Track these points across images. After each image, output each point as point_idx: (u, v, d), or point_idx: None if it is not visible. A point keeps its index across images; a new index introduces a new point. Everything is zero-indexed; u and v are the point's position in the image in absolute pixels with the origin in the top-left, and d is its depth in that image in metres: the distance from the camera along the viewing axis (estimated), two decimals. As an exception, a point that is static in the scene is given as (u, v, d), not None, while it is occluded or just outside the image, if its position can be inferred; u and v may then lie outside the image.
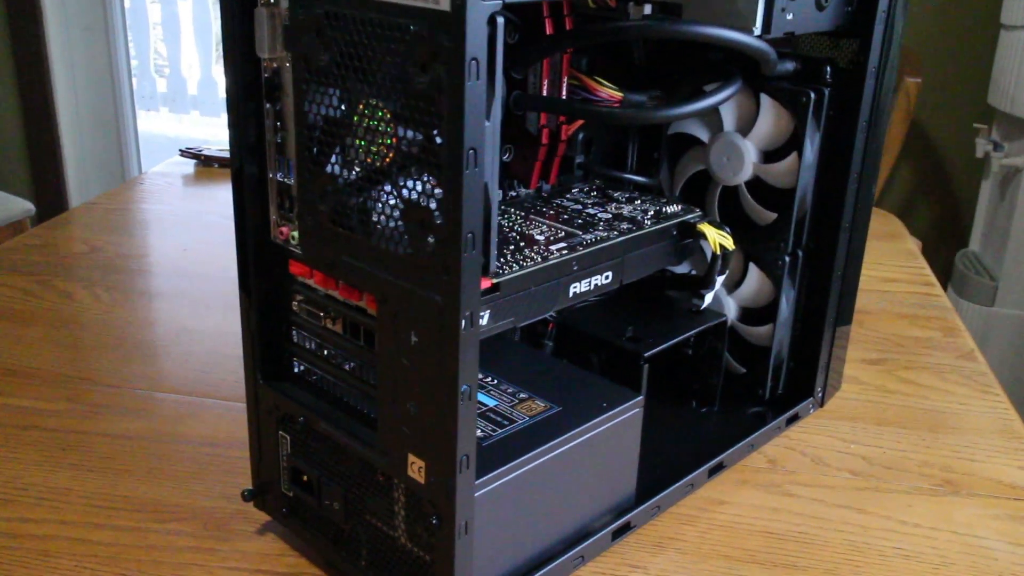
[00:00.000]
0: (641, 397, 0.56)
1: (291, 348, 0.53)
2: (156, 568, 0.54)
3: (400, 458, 0.46)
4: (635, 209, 0.61)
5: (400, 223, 0.42)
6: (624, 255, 0.57)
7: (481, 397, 0.54)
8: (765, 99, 0.63)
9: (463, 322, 0.41)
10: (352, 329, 0.49)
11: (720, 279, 0.64)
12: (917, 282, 0.99)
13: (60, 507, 0.60)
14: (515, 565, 0.51)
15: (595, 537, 0.55)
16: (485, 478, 0.47)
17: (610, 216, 0.60)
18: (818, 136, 0.63)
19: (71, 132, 2.33)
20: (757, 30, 0.55)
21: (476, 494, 0.46)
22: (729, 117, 0.66)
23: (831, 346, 0.69)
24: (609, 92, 0.59)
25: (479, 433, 0.50)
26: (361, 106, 0.42)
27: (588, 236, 0.56)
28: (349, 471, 0.50)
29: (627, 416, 0.55)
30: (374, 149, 0.42)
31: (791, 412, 0.69)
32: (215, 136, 3.26)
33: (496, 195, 0.44)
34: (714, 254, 0.62)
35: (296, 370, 0.54)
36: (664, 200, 0.64)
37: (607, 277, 0.56)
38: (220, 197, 1.19)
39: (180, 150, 1.32)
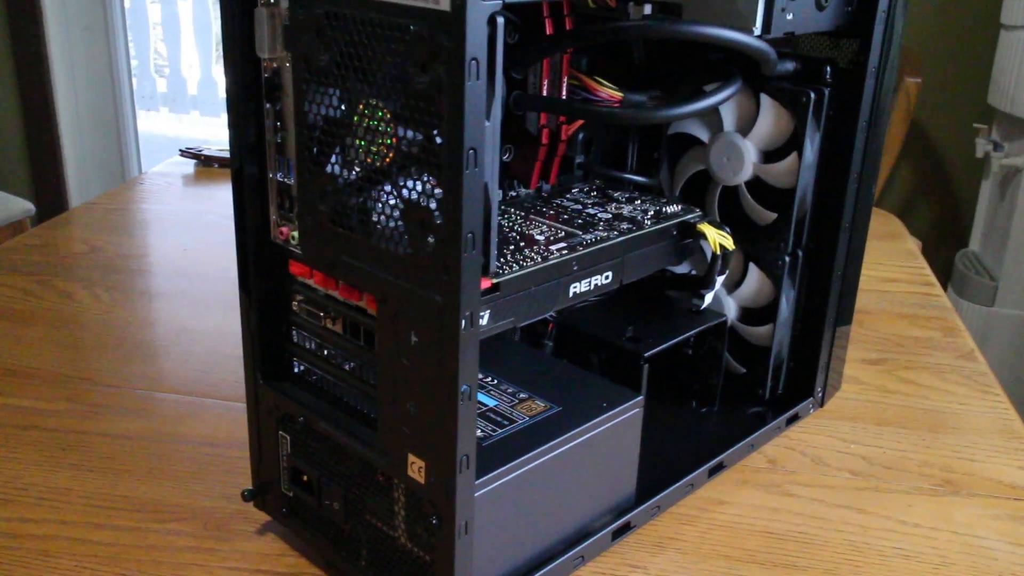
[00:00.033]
0: (641, 397, 0.56)
1: (291, 348, 0.53)
2: (156, 568, 0.54)
3: (400, 458, 0.46)
4: (635, 209, 0.61)
5: (400, 223, 0.42)
6: (624, 255, 0.57)
7: (481, 397, 0.54)
8: (765, 99, 0.63)
9: (463, 322, 0.41)
10: (352, 329, 0.49)
11: (720, 279, 0.64)
12: (917, 282, 0.99)
13: (60, 507, 0.60)
14: (515, 565, 0.51)
15: (595, 537, 0.55)
16: (485, 478, 0.47)
17: (610, 216, 0.60)
18: (818, 136, 0.63)
19: (71, 132, 2.33)
20: (757, 30, 0.55)
21: (476, 494, 0.46)
22: (729, 117, 0.66)
23: (831, 346, 0.69)
24: (609, 92, 0.59)
25: (479, 433, 0.51)
26: (361, 106, 0.42)
27: (588, 236, 0.56)
28: (349, 471, 0.50)
29: (627, 416, 0.55)
30: (374, 149, 0.42)
31: (791, 412, 0.69)
32: (215, 136, 3.26)
33: (496, 195, 0.44)
34: (714, 254, 0.62)
35: (296, 370, 0.54)
36: (664, 200, 0.64)
37: (607, 277, 0.56)
38: (220, 197, 1.19)
39: (180, 150, 1.32)
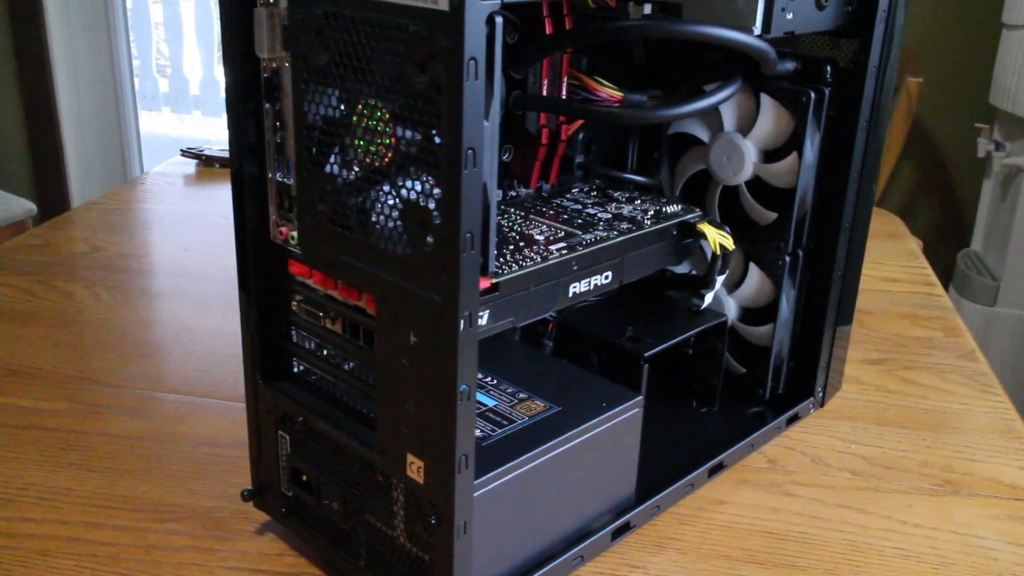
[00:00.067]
0: (641, 397, 0.56)
1: (290, 348, 0.53)
2: (155, 568, 0.55)
3: (399, 458, 0.46)
4: (635, 209, 0.61)
5: (399, 223, 0.42)
6: (624, 255, 0.57)
7: (480, 397, 0.54)
8: (765, 99, 0.63)
9: (462, 322, 0.41)
10: (351, 329, 0.49)
11: (720, 279, 0.64)
12: (918, 282, 0.98)
13: (60, 507, 0.60)
14: (514, 565, 0.51)
15: (595, 537, 0.55)
16: (484, 478, 0.47)
17: (610, 216, 0.59)
18: (818, 136, 0.63)
19: (73, 132, 2.33)
20: (757, 30, 0.55)
21: (475, 494, 0.46)
22: (729, 117, 0.65)
23: (831, 346, 0.69)
24: (609, 92, 0.59)
25: (478, 433, 0.50)
26: (360, 106, 0.42)
27: (588, 236, 0.56)
28: (348, 471, 0.50)
29: (627, 416, 0.55)
30: (373, 149, 0.42)
31: (791, 412, 0.69)
32: (217, 136, 3.26)
33: (495, 195, 0.44)
34: (714, 254, 0.62)
35: (295, 370, 0.54)
36: (664, 200, 0.64)
37: (607, 277, 0.56)
38: (221, 197, 1.19)
39: (181, 150, 1.32)
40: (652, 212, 0.61)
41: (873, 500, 0.62)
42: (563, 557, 0.53)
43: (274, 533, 0.57)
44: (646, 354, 0.61)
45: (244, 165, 0.50)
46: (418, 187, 0.41)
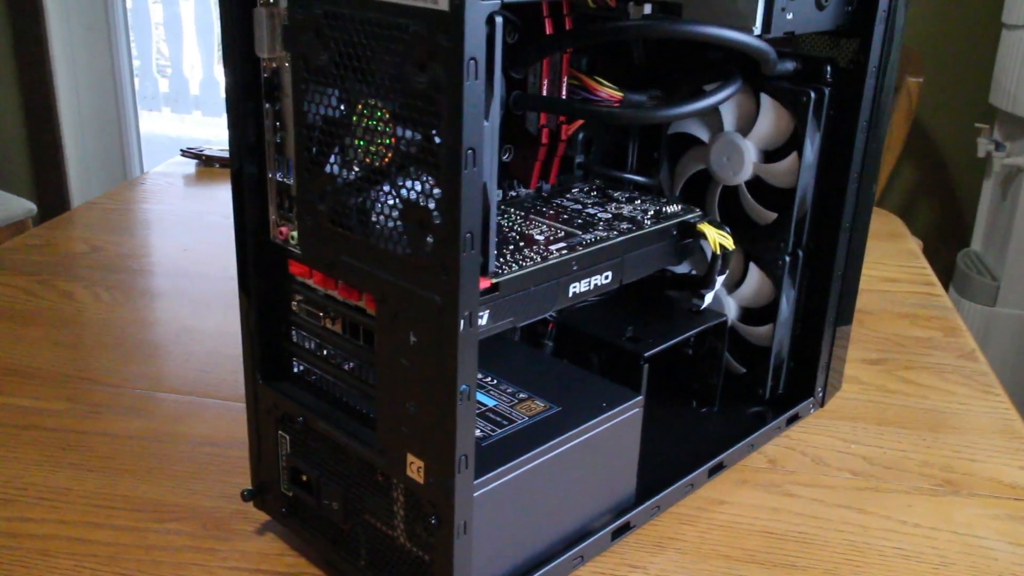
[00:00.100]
0: (641, 397, 0.56)
1: (290, 348, 0.53)
2: (155, 568, 0.55)
3: (399, 458, 0.46)
4: (635, 209, 0.61)
5: (399, 223, 0.42)
6: (624, 255, 0.57)
7: (480, 397, 0.54)
8: (765, 99, 0.63)
9: (462, 322, 0.41)
10: (351, 329, 0.49)
11: (720, 279, 0.64)
12: (918, 282, 0.98)
13: (60, 507, 0.60)
14: (514, 565, 0.51)
15: (594, 537, 0.55)
16: (484, 478, 0.47)
17: (610, 216, 0.59)
18: (818, 136, 0.63)
19: (73, 132, 2.33)
20: (757, 30, 0.55)
21: (475, 494, 0.46)
22: (729, 117, 0.65)
23: (831, 346, 0.69)
24: (609, 92, 0.59)
25: (478, 433, 0.50)
26: (360, 106, 0.42)
27: (588, 236, 0.56)
28: (348, 471, 0.50)
29: (627, 416, 0.55)
30: (373, 149, 0.42)
31: (791, 412, 0.69)
32: (217, 136, 3.26)
33: (495, 195, 0.44)
34: (714, 254, 0.62)
35: (295, 370, 0.54)
36: (664, 200, 0.64)
37: (607, 277, 0.56)
38: (221, 197, 1.19)
39: (181, 150, 1.32)
40: (652, 212, 0.61)
41: (873, 500, 0.62)
42: (563, 557, 0.53)
43: (274, 533, 0.57)
44: (646, 354, 0.61)
45: (244, 165, 0.50)
46: (418, 187, 0.41)
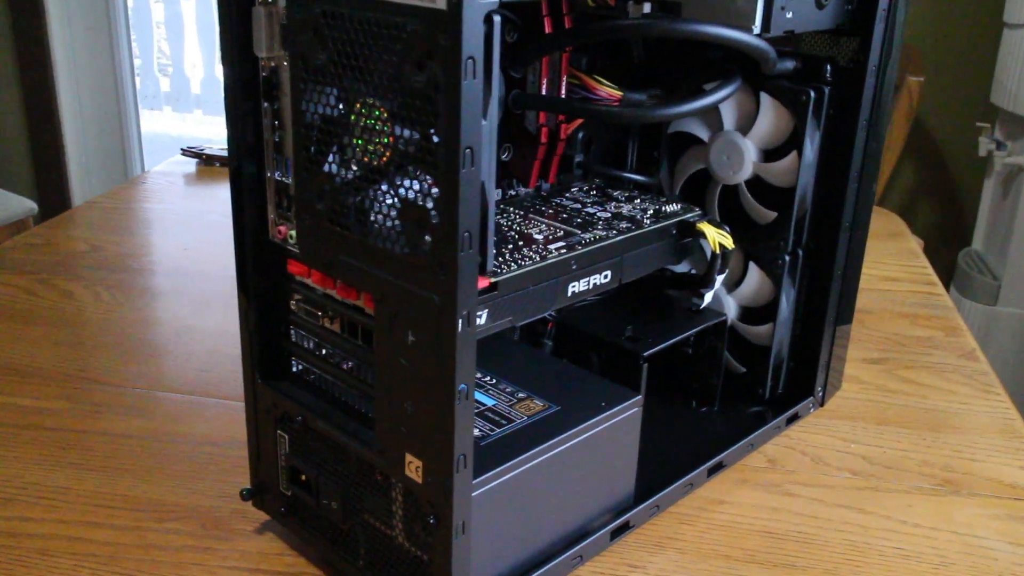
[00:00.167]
0: (640, 396, 0.55)
1: (289, 347, 0.53)
2: (155, 567, 0.54)
3: (398, 457, 0.46)
4: (634, 208, 0.61)
5: (397, 222, 0.42)
6: (623, 254, 0.57)
7: (479, 396, 0.54)
8: (765, 98, 0.63)
9: (460, 321, 0.41)
10: (350, 328, 0.49)
11: (720, 278, 0.63)
12: (919, 281, 0.98)
13: (59, 506, 0.60)
14: (513, 565, 0.51)
15: (594, 537, 0.55)
16: (483, 478, 0.47)
17: (609, 215, 0.59)
18: (818, 135, 0.63)
19: (74, 131, 2.33)
20: (756, 29, 0.55)
21: (473, 494, 0.46)
22: (729, 116, 0.65)
23: (831, 345, 0.69)
24: (608, 91, 0.59)
25: (477, 432, 0.50)
26: (358, 105, 0.42)
27: (587, 235, 0.55)
28: (347, 470, 0.50)
29: (626, 415, 0.55)
30: (371, 148, 0.42)
31: (791, 411, 0.69)
32: (218, 135, 3.26)
33: (493, 194, 0.44)
34: (714, 253, 0.62)
35: (294, 369, 0.54)
36: (664, 199, 0.64)
37: (606, 276, 0.56)
38: (221, 196, 1.19)
39: (182, 149, 1.32)
40: (651, 211, 0.61)
41: (873, 500, 0.62)
42: (562, 557, 0.53)
43: (273, 533, 0.57)
44: (645, 353, 0.61)
45: (243, 164, 0.50)
46: (416, 186, 0.41)
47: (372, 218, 0.43)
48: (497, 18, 0.39)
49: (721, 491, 0.63)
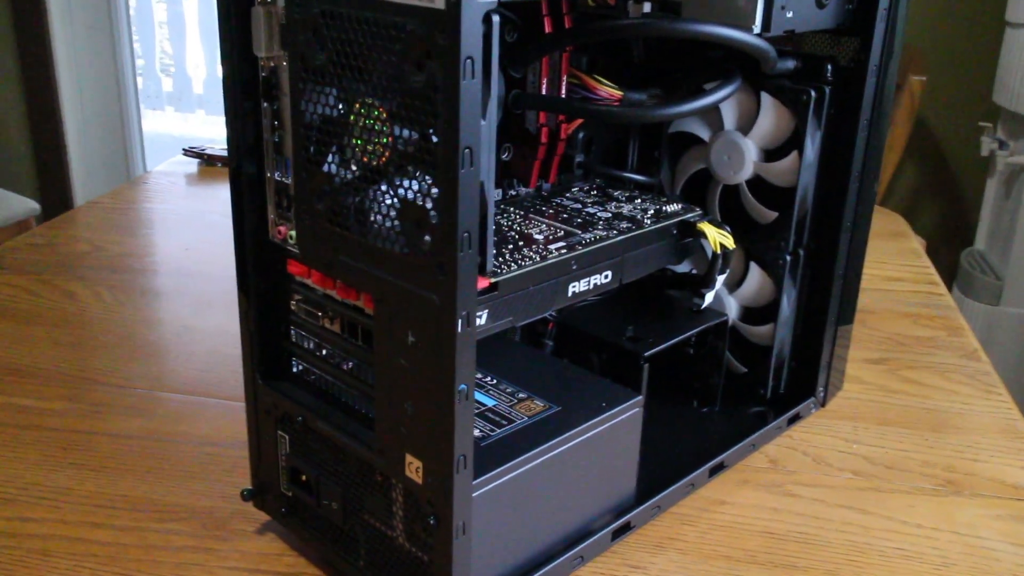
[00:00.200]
0: (641, 397, 0.55)
1: (290, 347, 0.53)
2: (155, 568, 0.54)
3: (398, 458, 0.46)
4: (635, 208, 0.61)
5: (396, 222, 0.42)
6: (624, 254, 0.57)
7: (480, 397, 0.54)
8: (766, 97, 0.63)
9: (460, 322, 0.41)
10: (350, 329, 0.48)
11: (721, 278, 0.63)
12: (921, 281, 0.98)
13: (60, 506, 0.60)
14: (514, 565, 0.51)
15: (595, 537, 0.55)
16: (483, 478, 0.47)
17: (610, 215, 0.59)
18: (819, 135, 0.63)
19: (76, 132, 2.33)
20: (757, 28, 0.55)
21: (474, 494, 0.46)
22: (730, 115, 0.65)
23: (833, 345, 0.69)
24: (609, 91, 0.59)
25: (477, 433, 0.50)
26: (357, 105, 0.42)
27: (588, 235, 0.55)
28: (347, 471, 0.50)
29: (627, 416, 0.55)
30: (370, 148, 0.42)
31: (792, 412, 0.69)
32: (220, 135, 3.25)
33: (493, 194, 0.44)
34: (714, 253, 0.62)
35: (295, 370, 0.54)
36: (664, 199, 0.64)
37: (607, 276, 0.56)
38: (223, 196, 1.18)
39: (183, 149, 1.32)
40: (652, 211, 0.61)
41: (875, 500, 0.62)
42: (563, 557, 0.53)
43: (274, 533, 0.57)
44: (646, 354, 0.60)
45: (243, 164, 0.50)
46: (415, 186, 0.41)
47: (372, 218, 0.43)
48: (496, 18, 0.39)
49: (722, 491, 0.62)
